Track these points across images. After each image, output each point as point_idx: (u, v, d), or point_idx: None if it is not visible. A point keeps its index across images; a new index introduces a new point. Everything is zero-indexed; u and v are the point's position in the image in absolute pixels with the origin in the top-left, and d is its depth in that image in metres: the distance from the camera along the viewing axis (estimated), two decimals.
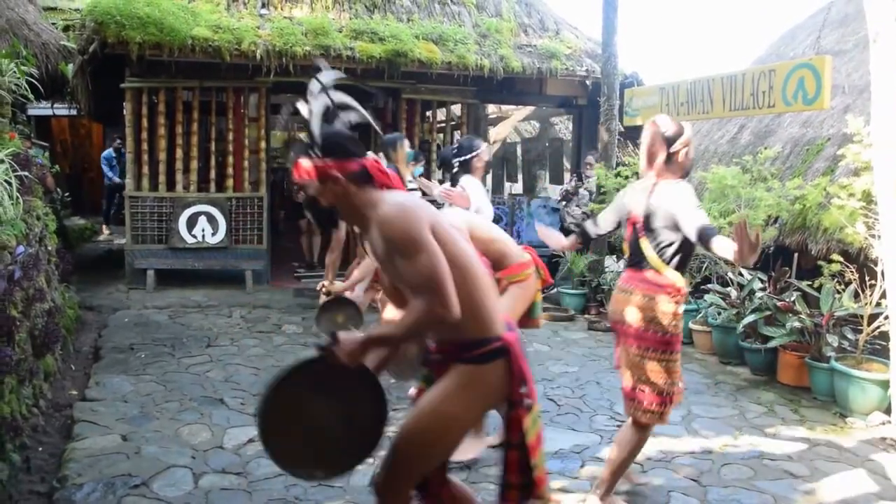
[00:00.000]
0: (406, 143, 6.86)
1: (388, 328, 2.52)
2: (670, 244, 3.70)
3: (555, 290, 9.56)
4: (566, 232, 9.81)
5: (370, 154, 2.70)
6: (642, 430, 3.82)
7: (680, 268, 3.74)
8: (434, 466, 2.69)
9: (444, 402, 2.54)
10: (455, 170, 5.49)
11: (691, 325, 7.36)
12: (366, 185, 2.55)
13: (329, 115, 2.63)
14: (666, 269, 3.71)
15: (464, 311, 2.45)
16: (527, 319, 4.59)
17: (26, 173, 5.39)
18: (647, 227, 3.75)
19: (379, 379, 2.65)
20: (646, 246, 3.76)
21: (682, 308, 3.75)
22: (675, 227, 3.63)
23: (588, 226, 4.41)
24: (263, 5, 9.76)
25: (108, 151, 14.49)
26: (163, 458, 4.37)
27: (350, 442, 2.63)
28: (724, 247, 3.35)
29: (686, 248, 3.71)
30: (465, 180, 5.35)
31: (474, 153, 5.39)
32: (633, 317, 3.75)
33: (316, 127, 2.58)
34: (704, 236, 3.44)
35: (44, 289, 5.41)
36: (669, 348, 3.73)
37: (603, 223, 4.28)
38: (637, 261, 3.82)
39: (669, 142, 3.74)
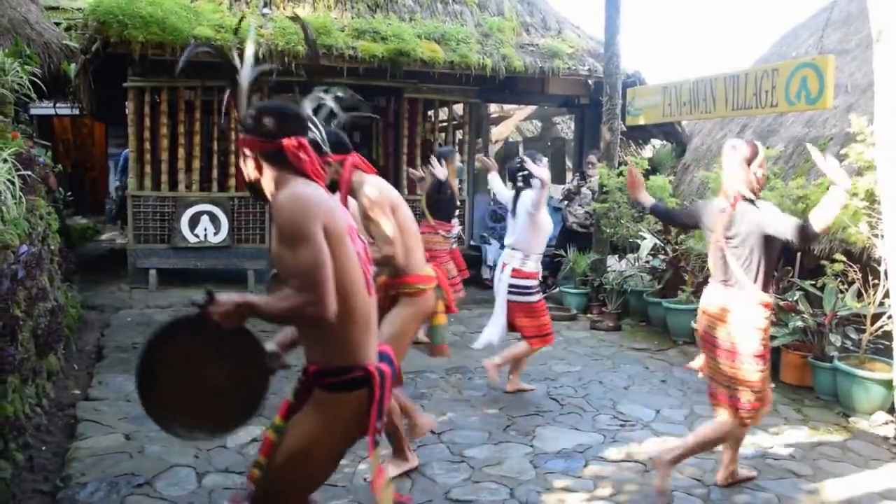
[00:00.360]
0: (457, 156, 7.41)
1: (263, 300, 2.42)
2: (756, 261, 3.91)
3: (557, 289, 9.56)
4: (568, 232, 9.84)
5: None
6: (740, 426, 4.03)
7: (765, 285, 3.95)
8: (305, 495, 2.63)
9: (300, 431, 2.50)
10: (519, 183, 5.83)
11: (693, 325, 7.34)
12: (281, 166, 2.49)
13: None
14: (752, 286, 3.92)
15: (332, 335, 2.43)
16: (430, 346, 4.67)
17: (29, 173, 5.39)
18: (734, 246, 3.96)
19: (260, 340, 2.55)
20: (733, 264, 3.96)
21: (769, 322, 3.99)
22: (761, 245, 3.88)
23: (672, 213, 4.89)
24: (265, 4, 9.75)
25: (126, 151, 14.43)
26: (166, 458, 4.38)
27: (232, 401, 2.56)
28: (823, 212, 3.63)
29: (769, 264, 3.95)
30: (525, 195, 5.74)
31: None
32: (725, 333, 3.98)
33: (243, 104, 2.60)
34: (805, 228, 3.69)
35: (47, 288, 5.41)
36: (762, 359, 3.95)
37: (679, 219, 4.74)
38: (724, 278, 4.01)
39: (749, 163, 3.92)
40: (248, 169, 2.56)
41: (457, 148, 11.26)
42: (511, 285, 5.72)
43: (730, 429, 4.01)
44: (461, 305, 9.04)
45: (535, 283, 5.81)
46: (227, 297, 2.38)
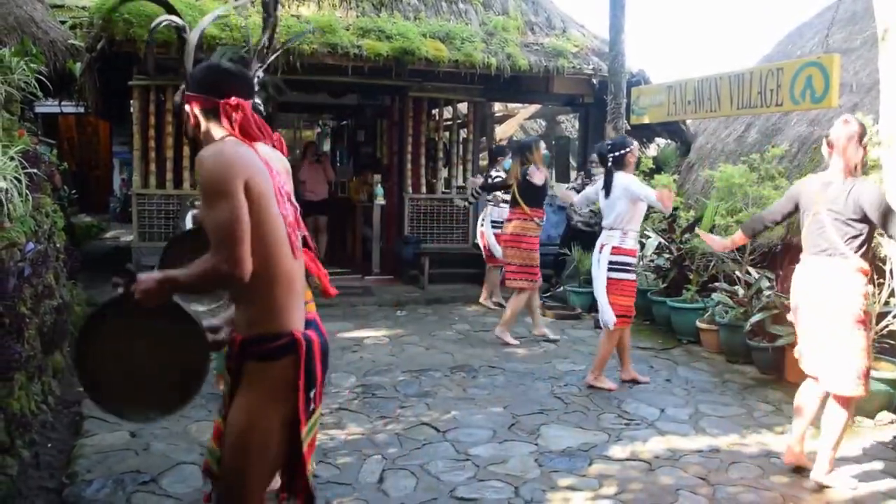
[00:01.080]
0: (542, 144, 7.68)
1: (182, 271, 2.35)
2: (856, 232, 4.03)
3: (561, 288, 9.56)
4: (573, 231, 9.83)
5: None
6: (848, 404, 4.13)
7: (865, 253, 4.10)
8: (263, 476, 2.50)
9: (238, 409, 2.44)
10: (609, 164, 6.04)
11: (698, 324, 7.35)
12: (217, 124, 2.50)
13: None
14: (852, 255, 4.05)
15: (255, 299, 2.39)
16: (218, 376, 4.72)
17: (35, 171, 5.40)
18: (836, 218, 4.07)
19: (194, 315, 2.50)
20: (834, 235, 4.07)
21: (867, 289, 4.18)
22: (864, 219, 4.00)
23: (757, 220, 4.80)
24: None
25: None
26: (171, 455, 4.39)
27: (172, 380, 2.52)
28: None
29: (870, 232, 4.08)
30: (619, 176, 5.95)
31: (627, 149, 6.04)
32: (831, 299, 4.08)
33: (189, 61, 2.75)
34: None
35: (52, 286, 5.43)
36: (865, 326, 4.10)
37: (773, 215, 4.66)
38: (824, 249, 4.12)
39: (860, 139, 4.07)
40: (187, 124, 2.57)
41: (461, 148, 11.27)
42: (612, 262, 5.91)
43: (842, 410, 4.11)
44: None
45: (634, 260, 6.07)
46: (148, 275, 2.36)
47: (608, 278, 5.92)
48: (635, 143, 6.17)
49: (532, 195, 7.45)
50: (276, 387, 2.40)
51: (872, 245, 4.20)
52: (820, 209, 4.13)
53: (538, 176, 7.39)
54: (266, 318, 2.41)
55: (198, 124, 2.53)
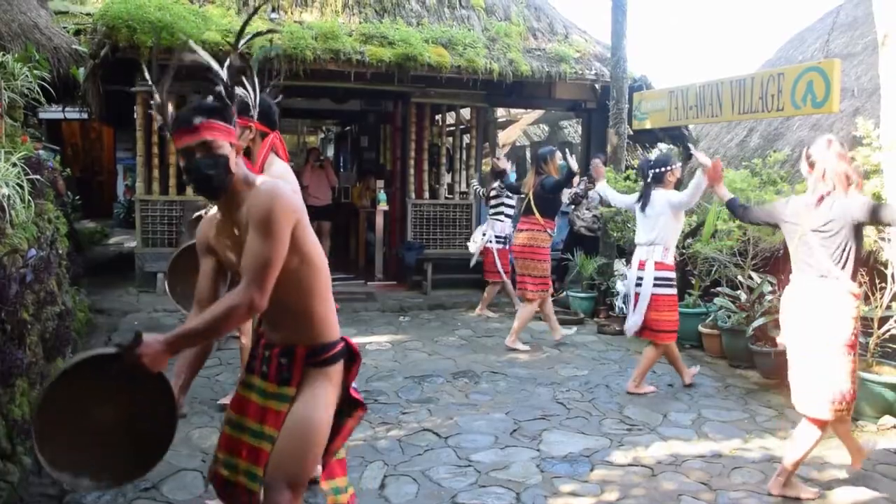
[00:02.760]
0: (559, 154, 7.73)
1: (192, 324, 2.44)
2: (847, 252, 3.97)
3: (564, 293, 9.56)
4: (575, 236, 9.84)
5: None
6: (823, 426, 4.07)
7: (854, 274, 4.02)
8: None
9: (315, 407, 2.62)
10: (649, 179, 5.99)
11: (701, 329, 7.35)
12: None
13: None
14: (843, 275, 3.98)
15: (317, 315, 2.65)
16: None
17: (38, 177, 5.42)
18: (825, 237, 4.00)
19: (170, 385, 2.50)
20: (823, 255, 4.01)
21: (858, 312, 4.06)
22: (852, 235, 3.95)
23: (747, 211, 4.74)
24: (274, 9, 9.78)
25: None
26: (173, 462, 4.38)
27: (133, 449, 2.48)
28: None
29: (858, 253, 4.01)
30: (659, 193, 5.91)
31: (668, 168, 5.96)
32: (814, 324, 4.02)
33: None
34: (876, 210, 3.91)
35: (55, 292, 5.44)
36: (853, 349, 4.01)
37: (759, 217, 4.65)
38: (815, 271, 4.05)
39: (844, 157, 4.04)
40: (230, 155, 2.49)
41: (464, 153, 11.29)
42: (657, 278, 5.90)
43: (815, 431, 4.06)
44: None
45: (674, 274, 6.05)
46: (155, 339, 2.37)
47: (653, 294, 5.90)
48: (678, 163, 6.11)
49: (547, 205, 7.46)
50: (336, 384, 2.70)
51: (861, 257, 4.12)
52: (806, 231, 4.08)
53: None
54: (325, 330, 2.68)
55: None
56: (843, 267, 3.98)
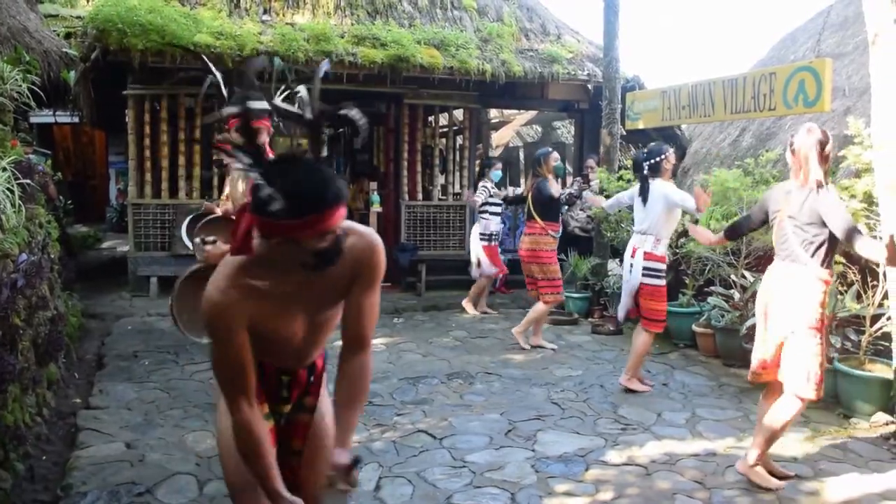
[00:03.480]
0: (555, 155, 7.81)
1: (354, 415, 2.64)
2: (817, 240, 4.06)
3: None
4: (569, 236, 9.83)
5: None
6: (800, 404, 4.15)
7: (824, 261, 4.09)
8: None
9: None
10: (646, 171, 6.06)
11: (694, 328, 7.36)
12: None
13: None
14: (813, 262, 4.06)
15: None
16: None
17: (28, 181, 5.40)
18: (797, 225, 4.12)
19: None
20: (794, 242, 4.12)
21: (825, 297, 4.14)
22: (822, 225, 4.03)
23: (742, 222, 4.79)
24: (265, 11, 9.78)
25: None
26: (167, 466, 4.37)
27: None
28: (869, 246, 3.96)
29: (831, 242, 4.08)
30: (657, 183, 5.97)
31: (662, 156, 6.03)
32: (784, 307, 4.13)
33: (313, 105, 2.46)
34: (851, 237, 3.92)
35: (47, 297, 5.41)
36: (820, 332, 4.10)
37: (751, 223, 4.69)
38: (788, 255, 4.17)
39: (822, 147, 4.11)
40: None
41: (457, 154, 11.28)
42: (645, 268, 5.98)
43: (792, 407, 4.13)
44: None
45: (664, 266, 6.09)
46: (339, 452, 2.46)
47: (641, 284, 5.99)
48: (671, 149, 6.18)
49: (546, 208, 7.48)
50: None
51: (837, 246, 4.19)
52: (783, 216, 4.19)
53: (554, 188, 7.45)
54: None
55: None
56: (813, 255, 4.07)
